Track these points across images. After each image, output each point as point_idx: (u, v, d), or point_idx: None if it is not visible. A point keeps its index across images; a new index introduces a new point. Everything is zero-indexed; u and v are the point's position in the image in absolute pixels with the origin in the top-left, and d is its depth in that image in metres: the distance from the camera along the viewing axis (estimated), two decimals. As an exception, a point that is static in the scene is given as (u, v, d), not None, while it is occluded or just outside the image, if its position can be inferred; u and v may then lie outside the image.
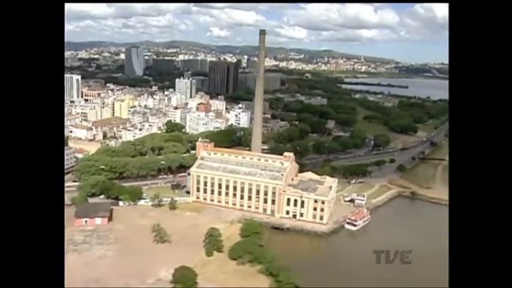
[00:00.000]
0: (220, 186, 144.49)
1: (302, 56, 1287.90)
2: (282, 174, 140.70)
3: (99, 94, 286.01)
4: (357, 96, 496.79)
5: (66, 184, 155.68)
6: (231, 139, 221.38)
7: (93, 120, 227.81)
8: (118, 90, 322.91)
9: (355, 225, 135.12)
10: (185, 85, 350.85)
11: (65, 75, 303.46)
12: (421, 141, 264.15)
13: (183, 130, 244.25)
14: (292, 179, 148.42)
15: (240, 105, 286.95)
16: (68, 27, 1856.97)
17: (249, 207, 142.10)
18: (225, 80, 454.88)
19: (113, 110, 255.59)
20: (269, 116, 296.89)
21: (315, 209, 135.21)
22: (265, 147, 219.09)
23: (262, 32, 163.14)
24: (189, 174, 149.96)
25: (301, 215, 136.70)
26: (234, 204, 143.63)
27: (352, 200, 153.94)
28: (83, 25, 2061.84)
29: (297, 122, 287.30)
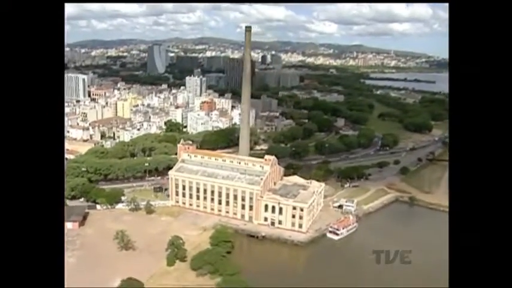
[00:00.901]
0: (198, 190, 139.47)
1: (331, 51, 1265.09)
2: (262, 179, 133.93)
3: (104, 93, 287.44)
4: (379, 92, 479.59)
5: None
6: (229, 139, 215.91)
7: (92, 120, 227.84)
8: (124, 89, 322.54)
9: (337, 234, 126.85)
10: (195, 83, 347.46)
11: (72, 74, 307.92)
12: (433, 141, 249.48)
13: (184, 130, 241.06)
14: (274, 183, 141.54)
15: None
16: (102, 25, 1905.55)
17: (227, 212, 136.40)
18: (240, 77, 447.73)
19: (116, 109, 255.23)
20: (277, 114, 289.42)
21: (293, 216, 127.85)
22: (264, 148, 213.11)
23: (248, 29, 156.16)
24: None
25: (280, 222, 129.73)
26: (212, 209, 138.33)
27: (341, 206, 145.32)
28: (115, 23, 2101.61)
29: (306, 120, 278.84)
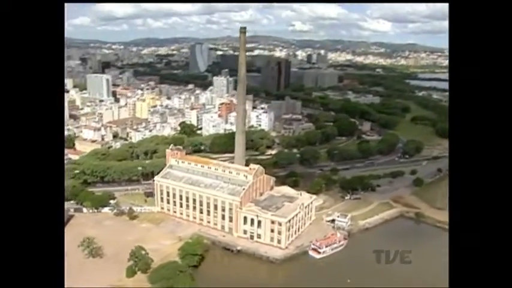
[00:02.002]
0: (181, 197, 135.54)
1: (383, 50, 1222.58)
2: (244, 189, 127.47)
3: (126, 93, 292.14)
4: (421, 93, 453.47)
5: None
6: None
7: (107, 121, 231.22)
8: (148, 88, 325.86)
9: (319, 253, 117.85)
10: (221, 83, 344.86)
11: (95, 74, 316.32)
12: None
13: (198, 132, 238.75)
14: (261, 194, 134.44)
15: (263, 106, 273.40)
16: (157, 24, 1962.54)
17: (208, 222, 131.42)
18: (276, 77, 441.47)
19: (135, 109, 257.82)
20: (300, 116, 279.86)
21: (272, 230, 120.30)
22: (273, 153, 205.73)
23: (242, 30, 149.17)
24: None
25: (259, 236, 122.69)
26: (194, 218, 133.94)
27: (333, 221, 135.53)
28: (170, 22, 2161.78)
29: (330, 123, 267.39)
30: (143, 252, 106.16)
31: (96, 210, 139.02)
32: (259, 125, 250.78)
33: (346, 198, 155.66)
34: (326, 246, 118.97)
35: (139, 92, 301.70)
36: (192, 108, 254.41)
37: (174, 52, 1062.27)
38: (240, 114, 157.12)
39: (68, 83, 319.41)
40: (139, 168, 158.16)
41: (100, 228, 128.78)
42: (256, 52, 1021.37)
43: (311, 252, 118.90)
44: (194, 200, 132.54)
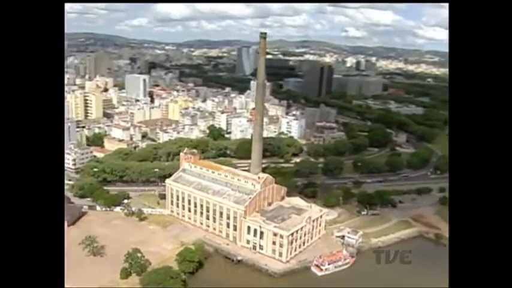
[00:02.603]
0: (189, 202, 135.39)
1: (436, 59, 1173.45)
2: (250, 198, 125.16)
3: (159, 94, 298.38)
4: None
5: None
6: (264, 148, 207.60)
7: (138, 121, 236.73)
8: (183, 90, 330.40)
9: (321, 270, 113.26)
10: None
11: (133, 75, 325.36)
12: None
13: (226, 135, 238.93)
14: (269, 204, 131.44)
15: (294, 113, 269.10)
16: (211, 26, 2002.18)
17: (214, 229, 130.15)
18: (317, 83, 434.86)
19: (167, 111, 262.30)
20: (333, 124, 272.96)
21: (274, 242, 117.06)
22: (300, 160, 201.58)
23: (262, 35, 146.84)
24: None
25: (261, 247, 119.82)
26: (201, 224, 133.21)
27: (343, 237, 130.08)
28: (224, 24, 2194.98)
29: (365, 133, 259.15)
30: (139, 255, 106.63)
31: (108, 209, 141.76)
32: (289, 132, 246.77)
33: (362, 213, 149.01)
34: (329, 264, 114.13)
35: (175, 93, 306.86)
36: (223, 112, 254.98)
37: (225, 54, 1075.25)
38: (258, 122, 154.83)
39: (109, 82, 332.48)
40: (156, 170, 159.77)
41: (108, 227, 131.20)
42: (306, 57, 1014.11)
43: (313, 269, 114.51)
44: (201, 206, 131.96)
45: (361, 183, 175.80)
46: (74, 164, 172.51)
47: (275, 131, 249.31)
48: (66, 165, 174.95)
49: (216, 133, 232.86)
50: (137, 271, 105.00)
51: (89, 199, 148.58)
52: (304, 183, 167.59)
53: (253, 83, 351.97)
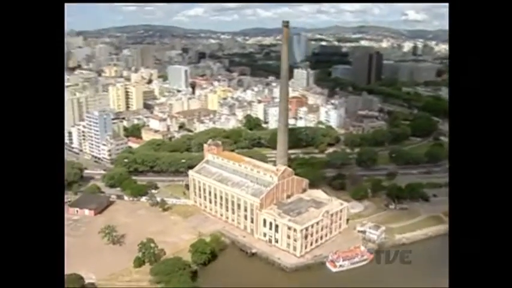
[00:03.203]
0: (210, 193, 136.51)
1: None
2: (268, 190, 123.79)
3: (201, 85, 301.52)
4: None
5: (97, 172, 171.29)
6: (297, 138, 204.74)
7: (176, 111, 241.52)
8: (224, 80, 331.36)
9: (335, 266, 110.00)
10: (301, 75, 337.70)
11: (175, 66, 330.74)
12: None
13: (264, 125, 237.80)
14: (288, 196, 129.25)
15: (333, 101, 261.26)
16: (266, 13, 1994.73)
17: (233, 221, 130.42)
18: (366, 70, 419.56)
19: (206, 101, 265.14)
20: (376, 113, 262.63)
21: (288, 236, 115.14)
22: (333, 150, 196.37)
23: (285, 24, 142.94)
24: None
25: (276, 240, 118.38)
26: (221, 215, 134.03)
27: (365, 232, 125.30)
28: (279, 12, 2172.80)
29: (408, 122, 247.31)
30: (152, 245, 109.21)
31: (135, 199, 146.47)
32: (328, 121, 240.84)
33: (390, 207, 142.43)
34: (344, 260, 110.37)
35: (216, 83, 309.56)
36: (260, 101, 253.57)
37: (279, 42, 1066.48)
38: (283, 112, 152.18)
39: (153, 73, 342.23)
40: (183, 160, 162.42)
41: (132, 217, 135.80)
42: (362, 43, 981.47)
43: (328, 264, 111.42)
44: (221, 197, 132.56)
45: (394, 175, 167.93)
46: (110, 155, 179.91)
47: (313, 120, 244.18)
48: (102, 155, 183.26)
49: (252, 123, 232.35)
50: (151, 260, 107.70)
51: (118, 189, 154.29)
52: (333, 175, 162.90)
53: (296, 71, 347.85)
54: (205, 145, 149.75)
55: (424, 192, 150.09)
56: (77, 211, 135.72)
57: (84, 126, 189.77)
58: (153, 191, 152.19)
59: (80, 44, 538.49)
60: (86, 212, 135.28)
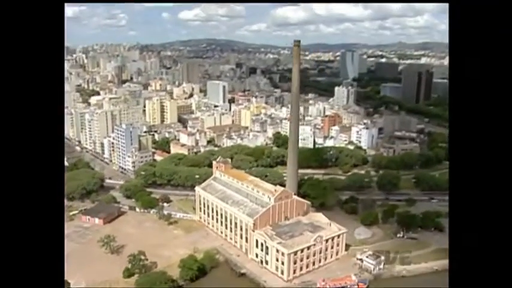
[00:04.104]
0: (212, 210, 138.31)
1: None
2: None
3: (238, 100, 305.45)
4: None
5: (119, 182, 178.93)
6: (322, 158, 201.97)
7: (208, 126, 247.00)
8: (261, 97, 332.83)
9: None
10: (342, 94, 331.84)
11: (213, 81, 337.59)
12: None
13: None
14: (287, 218, 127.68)
15: (365, 121, 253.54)
16: (329, 29, 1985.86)
17: (231, 239, 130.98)
18: (415, 88, 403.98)
19: (239, 117, 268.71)
20: (414, 134, 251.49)
21: (277, 259, 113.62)
22: (357, 172, 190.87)
23: (296, 43, 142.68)
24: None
25: (267, 262, 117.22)
26: (221, 232, 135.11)
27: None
28: (342, 28, 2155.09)
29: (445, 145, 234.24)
30: (142, 257, 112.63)
31: (145, 211, 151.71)
32: (359, 142, 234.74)
33: (398, 235, 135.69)
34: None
35: (253, 99, 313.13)
36: (289, 119, 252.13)
37: (338, 58, 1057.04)
38: (293, 132, 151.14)
39: (195, 88, 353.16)
40: (197, 176, 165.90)
41: (138, 228, 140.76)
42: (423, 60, 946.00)
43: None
44: (221, 215, 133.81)
45: (413, 202, 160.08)
46: (133, 166, 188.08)
47: (345, 140, 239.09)
48: (126, 166, 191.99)
49: (280, 140, 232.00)
50: (140, 272, 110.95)
51: (133, 200, 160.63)
52: (346, 198, 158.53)
53: (337, 89, 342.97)
54: (214, 162, 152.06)
55: (440, 222, 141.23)
56: (89, 219, 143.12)
57: (113, 138, 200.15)
58: (165, 204, 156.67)
59: (136, 57, 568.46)
60: (96, 220, 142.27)
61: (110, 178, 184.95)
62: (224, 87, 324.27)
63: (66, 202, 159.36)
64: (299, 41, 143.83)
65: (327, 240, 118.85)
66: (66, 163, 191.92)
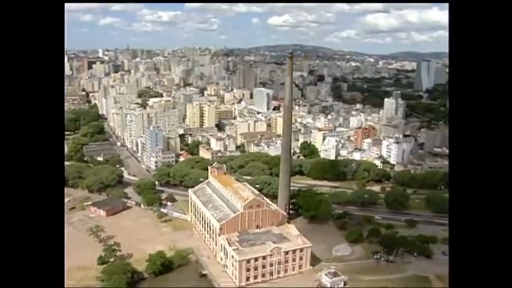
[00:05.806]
0: (198, 212, 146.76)
1: None
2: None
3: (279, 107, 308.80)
4: None
5: (136, 179, 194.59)
6: (339, 171, 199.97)
7: (241, 132, 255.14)
8: (304, 105, 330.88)
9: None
10: (391, 106, 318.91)
11: (259, 88, 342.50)
12: None
13: (318, 153, 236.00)
14: (258, 226, 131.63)
15: (397, 135, 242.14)
16: (421, 37, 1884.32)
17: (207, 241, 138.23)
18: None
19: (276, 124, 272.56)
20: (447, 151, 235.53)
21: (232, 265, 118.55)
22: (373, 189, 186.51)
23: (290, 55, 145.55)
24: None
25: (226, 266, 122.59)
26: (202, 234, 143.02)
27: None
28: (435, 35, 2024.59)
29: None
30: (116, 247, 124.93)
31: (148, 208, 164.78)
32: (389, 156, 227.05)
33: (375, 257, 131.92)
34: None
35: (296, 108, 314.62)
36: (320, 130, 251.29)
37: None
38: (285, 142, 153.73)
39: (245, 93, 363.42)
40: (201, 179, 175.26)
41: (133, 222, 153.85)
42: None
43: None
44: (202, 218, 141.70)
45: (414, 223, 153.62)
46: (156, 166, 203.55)
47: (377, 154, 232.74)
48: (150, 165, 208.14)
49: (307, 150, 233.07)
50: (114, 261, 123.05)
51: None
52: (338, 213, 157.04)
53: (386, 101, 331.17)
54: (209, 167, 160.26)
55: (429, 247, 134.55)
56: (96, 210, 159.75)
57: (144, 139, 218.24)
58: (169, 203, 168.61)
59: (206, 62, 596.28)
60: (101, 212, 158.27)
61: (134, 175, 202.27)
62: (268, 94, 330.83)
63: (86, 193, 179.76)
64: (292, 53, 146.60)
65: (287, 253, 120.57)
66: (100, 158, 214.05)
